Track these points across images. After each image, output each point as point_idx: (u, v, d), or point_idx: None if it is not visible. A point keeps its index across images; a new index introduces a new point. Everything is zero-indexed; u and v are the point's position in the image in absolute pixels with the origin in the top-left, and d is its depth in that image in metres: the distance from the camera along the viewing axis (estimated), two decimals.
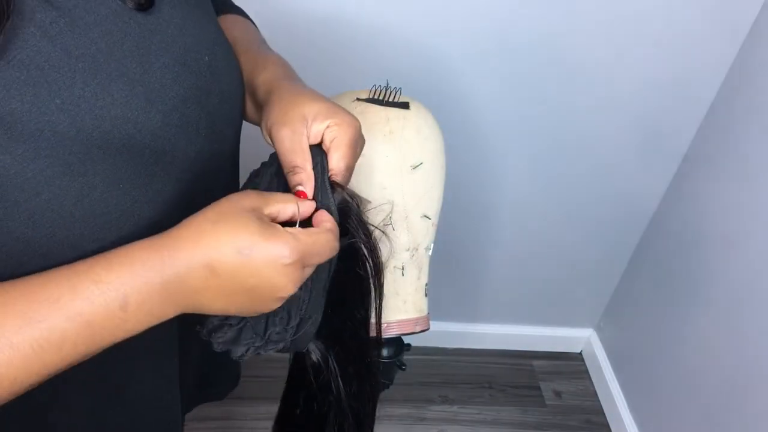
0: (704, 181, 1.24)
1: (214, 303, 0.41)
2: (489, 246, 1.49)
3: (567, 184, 1.35)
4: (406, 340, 0.73)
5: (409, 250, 0.65)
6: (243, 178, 0.56)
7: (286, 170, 0.48)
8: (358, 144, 0.50)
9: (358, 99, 0.64)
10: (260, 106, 0.54)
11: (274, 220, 0.44)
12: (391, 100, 0.64)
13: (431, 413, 1.56)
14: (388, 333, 0.67)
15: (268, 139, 0.50)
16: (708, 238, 1.22)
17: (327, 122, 0.48)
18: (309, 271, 0.44)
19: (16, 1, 0.36)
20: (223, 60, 0.51)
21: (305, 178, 0.47)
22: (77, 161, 0.38)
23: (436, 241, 0.69)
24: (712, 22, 1.10)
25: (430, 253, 0.69)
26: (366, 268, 0.53)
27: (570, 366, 1.73)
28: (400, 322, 0.67)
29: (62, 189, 0.38)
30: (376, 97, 0.64)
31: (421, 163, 0.63)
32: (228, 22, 0.63)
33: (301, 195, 0.47)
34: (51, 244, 0.39)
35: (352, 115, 0.50)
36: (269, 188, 0.50)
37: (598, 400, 1.63)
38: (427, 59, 1.13)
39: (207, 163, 0.50)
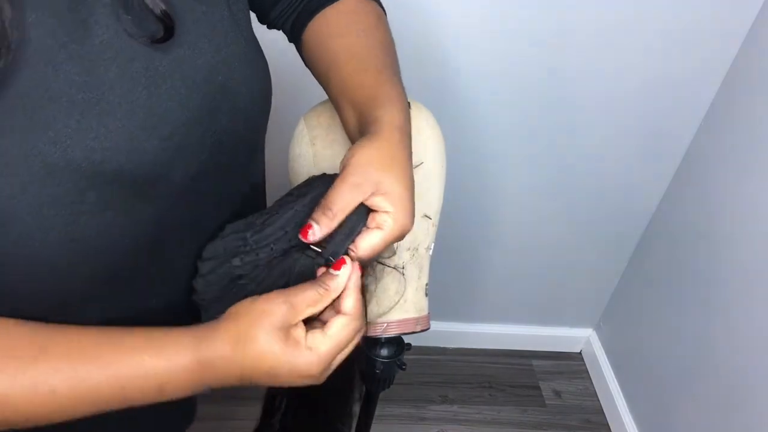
0: (704, 181, 1.24)
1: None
2: (489, 246, 1.49)
3: (567, 183, 1.36)
4: (407, 339, 0.73)
5: (409, 249, 0.65)
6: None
7: (323, 201, 0.47)
8: (393, 242, 0.49)
9: None
10: (361, 128, 0.52)
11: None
12: None
13: (431, 413, 1.56)
14: (389, 332, 0.67)
15: (342, 160, 0.49)
16: (708, 238, 1.22)
17: (389, 209, 0.47)
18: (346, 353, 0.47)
19: (24, 27, 0.35)
20: (241, 78, 0.49)
21: (323, 225, 0.46)
22: (64, 192, 0.38)
23: (436, 241, 0.69)
24: (712, 22, 1.10)
25: (431, 252, 0.69)
26: None
27: (570, 366, 1.73)
28: (401, 322, 0.67)
29: (48, 218, 0.38)
30: None
31: (421, 163, 0.63)
32: (341, 19, 0.58)
33: (307, 228, 0.47)
34: (34, 264, 0.40)
35: (411, 220, 0.48)
36: (298, 214, 0.50)
37: (598, 400, 1.63)
38: (427, 60, 1.13)
39: (212, 179, 0.50)
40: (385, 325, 0.66)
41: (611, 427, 1.56)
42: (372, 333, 0.67)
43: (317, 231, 0.46)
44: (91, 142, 0.39)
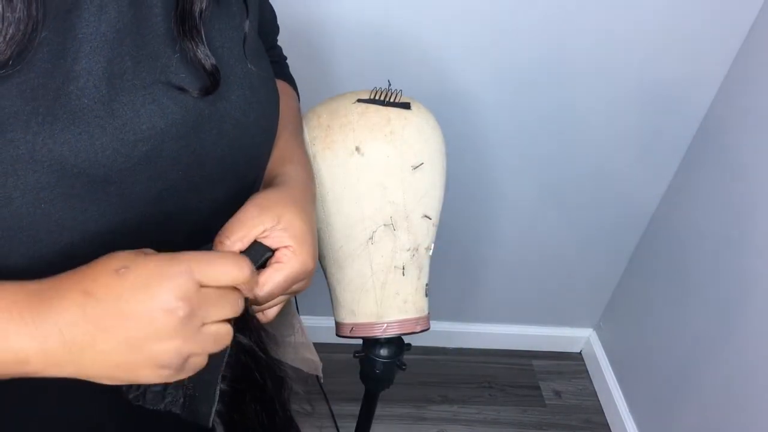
0: (703, 182, 1.24)
1: (94, 350, 0.35)
2: (489, 246, 1.49)
3: (567, 184, 1.36)
4: (406, 339, 0.73)
5: (409, 250, 0.65)
6: None
7: (220, 231, 0.44)
8: (295, 282, 0.47)
9: (359, 100, 0.64)
10: (266, 183, 0.52)
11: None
12: (392, 101, 0.64)
13: (431, 413, 1.56)
14: (389, 333, 0.67)
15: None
16: (707, 238, 1.22)
17: (289, 242, 0.45)
18: (205, 334, 0.37)
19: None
20: (235, 100, 0.46)
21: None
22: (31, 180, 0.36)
23: (436, 241, 0.69)
24: (711, 23, 1.10)
25: (431, 253, 0.69)
26: (259, 372, 0.50)
27: (570, 366, 1.73)
28: (401, 322, 0.67)
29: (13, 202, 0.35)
30: (377, 98, 0.64)
31: (421, 163, 0.64)
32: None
33: None
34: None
35: (313, 259, 0.47)
36: None
37: (598, 400, 1.63)
38: (428, 61, 1.13)
39: (182, 197, 0.45)
40: (385, 325, 0.66)
41: (611, 427, 1.56)
42: (372, 333, 0.67)
43: None
44: (57, 136, 0.36)
